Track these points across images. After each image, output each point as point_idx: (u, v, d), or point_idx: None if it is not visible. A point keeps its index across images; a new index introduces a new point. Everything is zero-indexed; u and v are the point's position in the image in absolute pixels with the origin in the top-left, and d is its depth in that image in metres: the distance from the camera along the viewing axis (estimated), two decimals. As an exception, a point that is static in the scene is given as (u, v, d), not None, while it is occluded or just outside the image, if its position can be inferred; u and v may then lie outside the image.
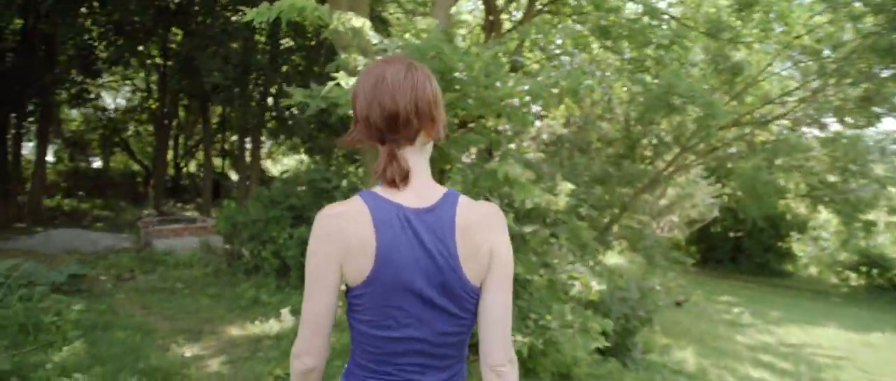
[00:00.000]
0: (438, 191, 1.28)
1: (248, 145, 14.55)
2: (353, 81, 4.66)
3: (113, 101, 22.22)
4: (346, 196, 9.25)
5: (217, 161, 21.71)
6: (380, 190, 1.27)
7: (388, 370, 1.25)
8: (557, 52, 9.02)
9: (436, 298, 1.22)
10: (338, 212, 1.24)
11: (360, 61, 4.69)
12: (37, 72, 10.52)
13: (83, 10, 10.21)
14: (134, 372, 3.94)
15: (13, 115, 12.57)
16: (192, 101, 16.60)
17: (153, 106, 17.63)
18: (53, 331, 4.53)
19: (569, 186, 5.57)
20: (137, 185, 23.03)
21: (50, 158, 24.65)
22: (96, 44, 11.39)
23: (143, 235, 9.32)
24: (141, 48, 12.54)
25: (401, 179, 1.25)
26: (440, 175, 5.59)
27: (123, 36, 11.08)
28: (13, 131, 13.04)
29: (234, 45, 10.95)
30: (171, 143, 19.90)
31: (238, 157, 15.80)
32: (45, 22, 10.54)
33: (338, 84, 4.66)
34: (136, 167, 22.63)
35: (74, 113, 21.81)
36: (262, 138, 20.46)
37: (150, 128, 19.47)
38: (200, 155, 23.64)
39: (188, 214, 10.71)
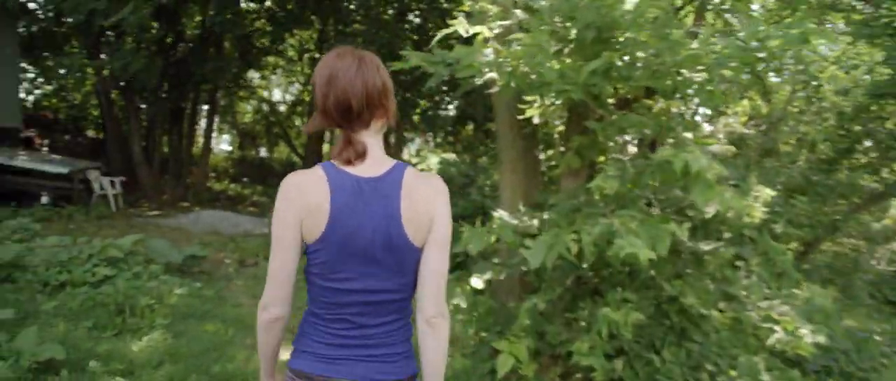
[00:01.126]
0: (389, 163, 1.41)
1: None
2: (480, 29, 3.75)
3: (282, 96, 23.83)
4: (481, 192, 8.43)
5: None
6: (337, 161, 1.39)
7: (335, 316, 1.39)
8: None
9: (378, 253, 1.35)
10: (299, 179, 1.37)
11: (491, 10, 3.75)
12: (204, 62, 11.08)
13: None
14: (204, 376, 3.35)
15: (187, 103, 13.58)
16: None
17: (306, 98, 18.25)
18: (146, 315, 4.17)
19: (767, 192, 4.09)
20: (297, 174, 24.46)
21: (226, 146, 27.33)
22: (252, 32, 11.75)
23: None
24: (293, 35, 12.75)
25: (356, 158, 1.38)
26: (591, 169, 4.44)
27: (275, 23, 11.31)
28: (187, 120, 14.13)
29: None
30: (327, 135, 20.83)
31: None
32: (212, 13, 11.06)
33: (467, 41, 3.76)
34: (296, 158, 24.05)
35: (249, 107, 23.77)
36: (412, 137, 20.60)
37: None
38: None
39: None
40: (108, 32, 10.35)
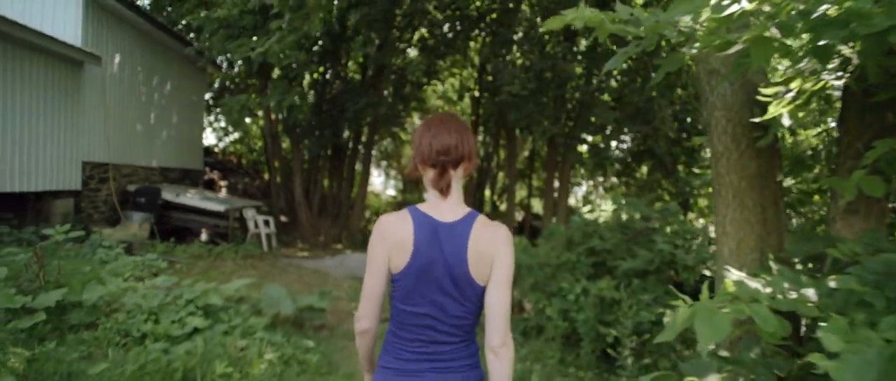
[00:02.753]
0: (464, 210, 1.65)
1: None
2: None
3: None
4: (667, 241, 6.58)
5: (535, 202, 20.94)
6: (422, 207, 1.65)
7: (411, 336, 1.63)
8: None
9: (446, 285, 1.59)
10: (392, 218, 1.64)
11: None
12: (358, 98, 10.76)
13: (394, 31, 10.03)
14: None
15: (346, 143, 13.50)
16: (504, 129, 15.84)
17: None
18: (219, 388, 3.16)
19: None
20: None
21: (392, 191, 27.87)
22: (405, 65, 11.22)
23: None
24: (447, 66, 12.02)
25: (446, 188, 1.62)
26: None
27: (427, 52, 10.64)
28: (348, 161, 14.07)
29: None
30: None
31: (546, 193, 14.29)
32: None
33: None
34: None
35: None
36: (580, 179, 18.90)
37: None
38: (522, 194, 23.35)
39: None
40: (277, 74, 10.54)
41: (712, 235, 5.64)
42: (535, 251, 7.03)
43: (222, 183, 16.14)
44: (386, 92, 11.85)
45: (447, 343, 1.62)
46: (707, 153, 7.32)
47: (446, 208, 1.62)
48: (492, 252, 1.59)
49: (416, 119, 21.28)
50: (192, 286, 4.42)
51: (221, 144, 19.56)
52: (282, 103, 9.02)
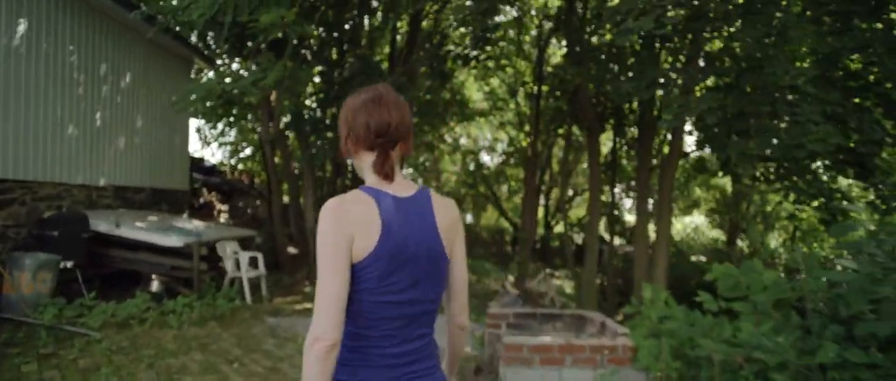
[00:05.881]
0: (414, 185, 1.51)
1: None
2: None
3: (490, 158, 20.40)
4: None
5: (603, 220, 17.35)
6: (373, 185, 1.45)
7: (382, 333, 1.40)
8: None
9: (423, 262, 1.42)
10: (341, 200, 1.38)
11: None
12: (380, 79, 7.59)
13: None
14: None
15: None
16: (578, 131, 12.38)
17: (524, 143, 14.15)
18: None
19: None
20: (505, 244, 20.49)
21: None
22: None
23: (488, 342, 4.90)
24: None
25: (391, 172, 1.44)
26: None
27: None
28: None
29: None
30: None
31: (638, 209, 10.78)
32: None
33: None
34: (505, 224, 20.20)
35: (454, 168, 20.77)
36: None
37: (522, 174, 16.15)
38: (577, 212, 19.79)
39: (567, 311, 5.78)
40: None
41: None
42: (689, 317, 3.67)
43: (222, 208, 13.20)
44: (421, 71, 8.60)
45: (417, 338, 1.46)
46: None
47: (398, 185, 1.46)
48: (455, 226, 1.52)
49: (456, 129, 18.13)
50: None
51: (232, 161, 16.69)
52: (260, 82, 5.90)
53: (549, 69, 12.57)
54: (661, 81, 5.23)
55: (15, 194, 6.16)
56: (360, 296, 1.37)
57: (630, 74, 6.25)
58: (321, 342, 1.28)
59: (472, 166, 18.72)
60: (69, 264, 5.86)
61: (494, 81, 14.77)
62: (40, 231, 5.98)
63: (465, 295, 1.55)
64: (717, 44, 6.50)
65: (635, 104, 9.74)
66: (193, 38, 8.68)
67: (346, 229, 1.33)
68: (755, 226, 14.01)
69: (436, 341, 1.53)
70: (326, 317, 1.29)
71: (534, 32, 12.47)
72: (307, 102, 8.90)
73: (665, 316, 4.16)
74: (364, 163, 1.47)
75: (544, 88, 12.12)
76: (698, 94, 5.55)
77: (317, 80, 9.21)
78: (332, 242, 1.32)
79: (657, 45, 6.27)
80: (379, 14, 9.58)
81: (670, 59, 5.84)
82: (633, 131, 11.42)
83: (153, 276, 6.55)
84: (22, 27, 6.20)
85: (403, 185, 1.47)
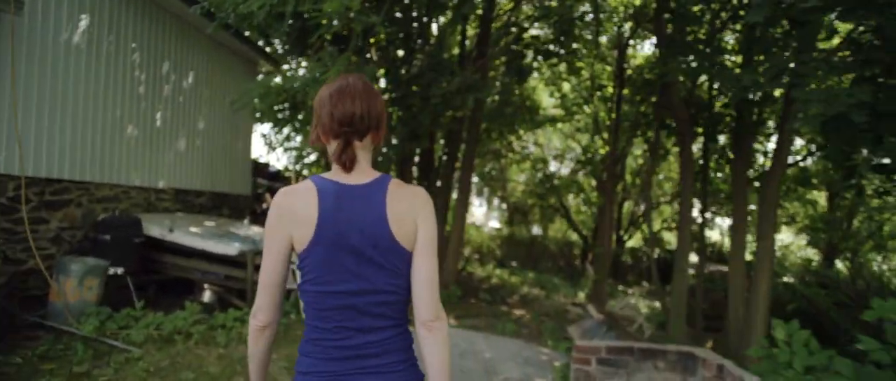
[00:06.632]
0: (375, 174, 1.47)
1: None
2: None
3: (558, 167, 19.39)
4: None
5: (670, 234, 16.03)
6: (327, 174, 1.46)
7: (334, 324, 1.38)
8: None
9: (368, 251, 1.36)
10: (288, 191, 1.41)
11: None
12: (443, 78, 6.94)
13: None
14: None
15: (433, 152, 9.73)
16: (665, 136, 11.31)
17: (603, 150, 13.17)
18: None
19: None
20: (574, 258, 19.40)
21: (495, 223, 23.77)
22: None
23: (576, 379, 4.11)
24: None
25: (350, 162, 1.43)
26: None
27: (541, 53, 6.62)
28: (439, 178, 10.27)
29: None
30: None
31: (735, 223, 9.66)
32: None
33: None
34: (573, 237, 19.12)
35: (522, 178, 19.92)
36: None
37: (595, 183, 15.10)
38: (653, 226, 18.47)
39: (670, 346, 4.74)
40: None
41: None
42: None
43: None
44: (493, 71, 7.92)
45: (376, 329, 1.40)
46: None
47: (354, 175, 1.46)
48: (413, 214, 1.43)
49: (525, 136, 17.28)
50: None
51: (297, 167, 16.55)
52: (322, 76, 5.38)
53: (630, 71, 11.61)
54: (791, 67, 4.28)
55: (71, 196, 5.92)
56: (306, 286, 1.41)
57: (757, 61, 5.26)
58: (254, 319, 1.45)
59: (540, 175, 17.81)
60: (119, 271, 5.52)
61: (566, 86, 13.89)
62: (95, 235, 5.69)
63: (431, 291, 1.41)
64: (843, 27, 5.47)
65: (730, 107, 8.69)
66: (255, 35, 8.35)
67: (283, 218, 1.37)
68: (865, 248, 12.37)
69: (409, 334, 1.48)
70: (259, 298, 1.43)
71: (615, 30, 11.54)
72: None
73: (812, 367, 3.24)
74: (329, 151, 1.48)
75: (625, 91, 11.17)
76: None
77: (382, 82, 8.74)
78: (269, 231, 1.39)
79: (779, 29, 5.30)
80: (448, 13, 8.99)
81: (793, 45, 4.86)
82: (725, 139, 10.27)
83: (205, 285, 6.15)
84: (84, 23, 5.97)
85: (362, 173, 1.46)
